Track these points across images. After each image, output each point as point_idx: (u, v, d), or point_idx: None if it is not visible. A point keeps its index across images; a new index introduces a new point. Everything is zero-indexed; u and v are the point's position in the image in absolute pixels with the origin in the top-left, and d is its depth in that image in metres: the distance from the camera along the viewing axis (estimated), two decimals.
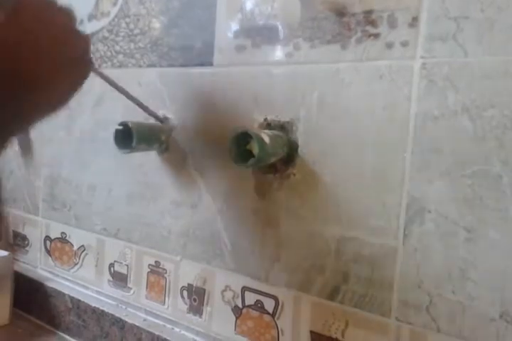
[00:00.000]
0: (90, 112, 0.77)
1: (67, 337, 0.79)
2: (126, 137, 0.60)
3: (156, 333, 0.67)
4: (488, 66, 0.42)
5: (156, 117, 0.65)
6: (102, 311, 0.74)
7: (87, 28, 0.76)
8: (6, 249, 0.85)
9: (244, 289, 0.60)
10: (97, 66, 0.55)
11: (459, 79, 0.43)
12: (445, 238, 0.45)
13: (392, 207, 0.47)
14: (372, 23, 0.48)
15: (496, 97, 0.41)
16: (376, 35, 0.48)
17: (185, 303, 0.66)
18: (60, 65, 0.41)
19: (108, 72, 0.73)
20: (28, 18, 0.38)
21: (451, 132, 0.44)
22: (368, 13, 0.48)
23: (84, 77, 0.47)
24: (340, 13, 0.50)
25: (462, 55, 0.43)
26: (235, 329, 0.61)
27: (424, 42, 0.45)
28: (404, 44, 0.46)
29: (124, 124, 0.60)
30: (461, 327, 0.44)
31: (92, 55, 0.48)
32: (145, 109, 0.63)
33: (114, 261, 0.75)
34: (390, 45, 0.47)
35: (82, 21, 0.77)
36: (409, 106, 0.46)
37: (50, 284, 0.83)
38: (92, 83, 0.75)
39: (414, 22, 0.45)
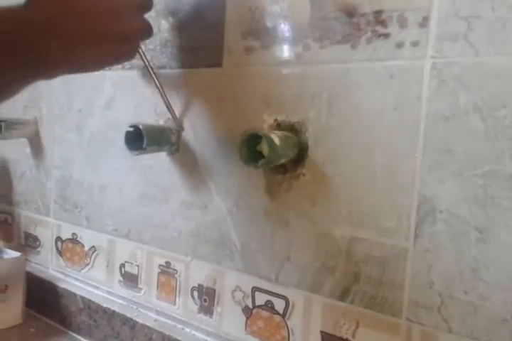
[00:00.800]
0: (101, 114, 0.77)
1: (78, 336, 0.79)
2: (137, 139, 0.60)
3: (167, 333, 0.67)
4: (499, 66, 0.41)
5: (175, 119, 0.65)
6: (113, 311, 0.74)
7: None
8: (17, 250, 0.85)
9: (254, 289, 0.60)
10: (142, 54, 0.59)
11: (470, 79, 0.43)
12: (456, 238, 0.44)
13: (403, 207, 0.47)
14: (382, 23, 0.48)
15: (508, 97, 0.41)
16: (386, 35, 0.48)
17: (196, 304, 0.66)
18: (94, 30, 0.43)
19: (118, 74, 0.74)
20: None
21: (463, 132, 0.43)
22: (378, 13, 0.48)
23: (124, 56, 0.50)
24: (350, 13, 0.50)
25: (473, 55, 0.43)
26: (246, 330, 0.61)
27: (435, 42, 0.45)
28: (415, 44, 0.46)
29: (135, 126, 0.60)
30: (472, 327, 0.44)
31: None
32: (170, 110, 0.64)
33: (125, 262, 0.75)
34: (400, 45, 0.47)
35: None
36: (419, 107, 0.46)
37: (61, 284, 0.83)
38: (103, 84, 0.76)
39: (424, 22, 0.45)
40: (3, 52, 0.37)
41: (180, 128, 0.65)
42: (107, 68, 0.51)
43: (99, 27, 0.44)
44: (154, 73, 0.63)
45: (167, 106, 0.64)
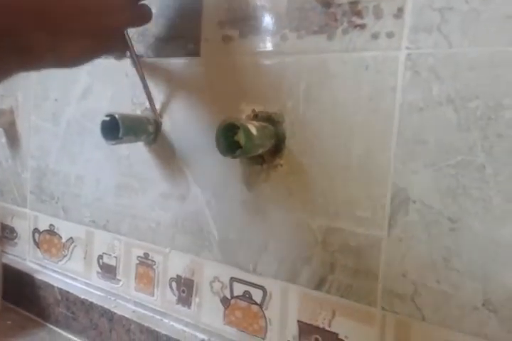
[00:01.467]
0: (77, 103, 0.76)
1: (56, 328, 0.79)
2: (113, 128, 0.60)
3: (145, 324, 0.67)
4: (472, 57, 0.42)
5: (154, 111, 0.65)
6: (91, 303, 0.74)
7: None
8: None
9: (232, 280, 0.60)
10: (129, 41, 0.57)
11: (443, 70, 0.43)
12: (429, 228, 0.45)
13: (378, 197, 0.48)
14: (358, 14, 0.48)
15: (481, 88, 0.42)
16: (362, 26, 0.48)
17: (174, 295, 0.66)
18: (79, 13, 0.42)
19: (95, 62, 0.72)
20: None
21: (436, 123, 0.44)
22: (354, 3, 0.48)
23: (113, 49, 0.47)
24: (327, 3, 0.50)
25: (447, 46, 0.43)
26: (224, 320, 0.62)
27: (409, 33, 0.45)
28: (390, 35, 0.46)
29: (111, 115, 0.60)
30: (445, 315, 0.45)
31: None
32: (151, 103, 0.64)
33: (103, 253, 0.75)
34: (375, 36, 0.47)
35: None
36: (394, 97, 0.46)
37: (38, 276, 0.82)
38: (79, 73, 0.75)
39: (399, 13, 0.45)
40: None
41: (159, 121, 0.65)
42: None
43: (88, 21, 0.43)
44: (139, 62, 0.62)
45: (148, 98, 0.63)
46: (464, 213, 0.43)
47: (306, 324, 0.54)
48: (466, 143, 0.42)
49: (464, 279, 0.44)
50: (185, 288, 0.65)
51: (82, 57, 0.46)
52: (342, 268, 0.51)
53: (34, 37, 0.39)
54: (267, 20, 0.55)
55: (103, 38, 0.46)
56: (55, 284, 0.79)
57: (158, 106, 0.65)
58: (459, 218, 0.43)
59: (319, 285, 0.53)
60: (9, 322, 0.80)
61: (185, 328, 0.65)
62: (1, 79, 0.40)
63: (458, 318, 0.44)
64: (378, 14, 0.46)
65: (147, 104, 0.65)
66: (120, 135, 0.59)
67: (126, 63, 0.69)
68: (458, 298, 0.44)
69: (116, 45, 0.48)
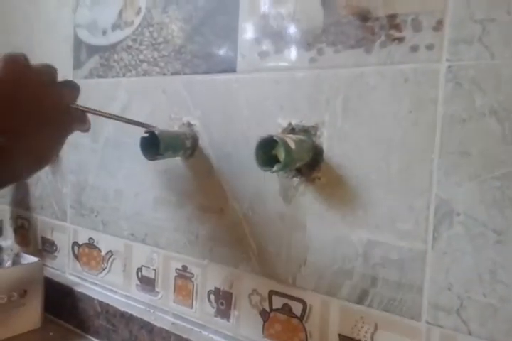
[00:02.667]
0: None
1: (96, 340, 0.80)
2: (152, 144, 0.61)
3: (185, 336, 0.67)
4: None
5: (145, 125, 0.62)
6: (131, 315, 0.75)
7: (111, 37, 0.78)
8: (34, 255, 0.87)
9: (271, 293, 0.61)
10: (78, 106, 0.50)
11: (485, 82, 0.43)
12: (474, 240, 0.44)
13: (420, 210, 0.47)
14: (396, 27, 0.48)
15: None
16: (400, 39, 0.48)
17: (213, 307, 0.67)
18: (39, 117, 0.43)
19: (133, 80, 0.75)
20: (6, 78, 0.40)
21: (479, 134, 0.44)
22: (392, 17, 0.48)
23: (67, 129, 0.48)
24: (364, 17, 0.50)
25: (488, 58, 0.43)
26: (263, 333, 0.62)
27: (450, 45, 0.45)
28: (430, 47, 0.46)
29: (150, 132, 0.61)
30: (492, 329, 0.44)
31: (74, 103, 0.48)
32: (142, 125, 0.61)
33: (142, 266, 0.76)
34: (414, 49, 0.47)
35: (105, 31, 0.79)
36: (435, 109, 0.46)
37: (78, 289, 0.84)
38: (117, 90, 0.77)
39: (438, 25, 0.45)
40: None
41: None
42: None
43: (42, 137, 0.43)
44: (105, 113, 0.56)
45: (133, 123, 0.60)
46: (510, 225, 0.43)
47: (347, 337, 0.54)
48: (510, 155, 0.42)
49: (511, 292, 0.43)
50: (223, 301, 0.66)
51: (54, 143, 0.46)
52: (384, 282, 0.50)
53: (6, 156, 0.40)
54: (303, 35, 0.55)
55: (57, 123, 0.46)
56: (95, 296, 0.81)
57: (195, 122, 0.67)
58: (504, 230, 0.43)
59: (361, 299, 0.52)
60: (51, 334, 0.82)
61: (224, 340, 0.66)
62: None
63: (506, 332, 0.43)
64: (417, 27, 0.46)
65: (185, 119, 0.66)
66: (160, 151, 0.60)
67: (163, 81, 0.70)
68: (505, 312, 0.43)
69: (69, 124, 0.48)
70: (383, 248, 0.50)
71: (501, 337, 0.44)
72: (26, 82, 0.42)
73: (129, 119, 0.59)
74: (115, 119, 0.57)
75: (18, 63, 0.41)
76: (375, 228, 0.51)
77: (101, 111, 0.54)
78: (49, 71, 0.45)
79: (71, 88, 0.48)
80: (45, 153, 0.45)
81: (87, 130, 0.51)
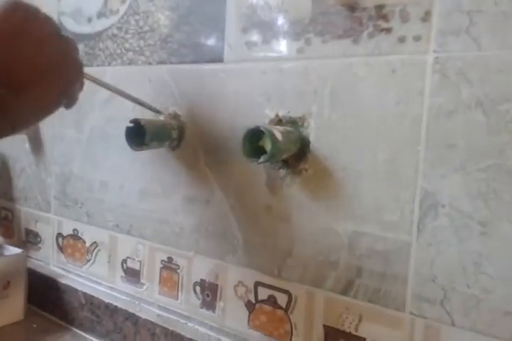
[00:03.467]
0: (100, 109, 0.77)
1: (80, 332, 0.80)
2: (138, 134, 0.60)
3: (170, 328, 0.67)
4: (502, 60, 0.42)
5: (157, 111, 0.66)
6: (116, 307, 0.74)
7: (96, 25, 0.76)
8: (18, 247, 0.85)
9: (257, 284, 0.60)
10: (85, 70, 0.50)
11: (472, 73, 0.43)
12: (459, 232, 0.45)
13: (406, 201, 0.47)
14: (384, 18, 0.48)
15: (511, 91, 0.41)
16: (388, 30, 0.47)
17: (198, 298, 0.67)
18: (42, 69, 0.42)
19: (118, 69, 0.74)
20: (9, 27, 0.39)
21: (465, 126, 0.44)
22: (380, 7, 0.48)
23: (72, 80, 0.47)
24: (352, 7, 0.50)
25: (475, 49, 0.43)
26: (248, 324, 0.62)
27: (437, 36, 0.45)
28: (417, 38, 0.46)
29: (136, 122, 0.60)
30: (476, 320, 0.44)
31: (79, 60, 0.47)
32: (146, 105, 0.64)
33: (127, 257, 0.75)
34: (402, 40, 0.47)
35: (90, 19, 0.77)
36: (422, 101, 0.46)
37: (63, 280, 0.83)
38: (103, 79, 0.75)
39: (426, 16, 0.45)
40: None
41: (158, 112, 0.66)
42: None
43: (52, 80, 0.43)
44: (108, 85, 0.60)
45: (141, 104, 0.63)
46: (494, 217, 0.43)
47: (332, 328, 0.54)
48: (496, 147, 0.42)
49: (495, 283, 0.43)
50: (209, 292, 0.66)
51: (58, 93, 0.45)
52: (369, 273, 0.51)
53: (6, 104, 0.39)
54: (291, 25, 0.55)
55: (60, 72, 0.45)
56: (80, 288, 0.80)
57: (182, 113, 0.66)
58: (489, 222, 0.43)
59: (346, 290, 0.53)
60: (34, 326, 0.81)
61: (209, 332, 0.66)
62: None
63: (489, 323, 0.44)
64: (405, 18, 0.46)
65: (171, 110, 0.66)
66: (146, 141, 0.60)
67: (148, 70, 0.69)
68: (489, 303, 0.44)
69: (76, 73, 0.48)
70: (369, 239, 0.50)
71: (484, 328, 0.44)
72: (32, 30, 0.40)
73: (136, 99, 0.61)
74: (122, 95, 0.60)
75: (26, 10, 0.40)
76: (360, 219, 0.51)
77: (108, 84, 0.57)
78: (54, 21, 0.44)
79: (74, 43, 0.47)
80: (47, 104, 0.44)
81: (74, 102, 0.50)
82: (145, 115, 0.68)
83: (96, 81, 0.55)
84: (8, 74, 0.39)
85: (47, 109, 0.45)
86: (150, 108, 0.66)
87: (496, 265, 0.43)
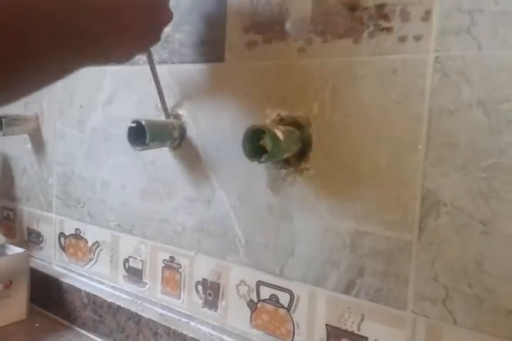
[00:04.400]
0: (102, 109, 0.77)
1: (83, 331, 0.80)
2: (139, 134, 0.60)
3: (172, 327, 0.67)
4: (502, 59, 0.42)
5: (166, 112, 0.67)
6: (118, 306, 0.75)
7: None
8: (20, 246, 0.86)
9: (259, 283, 0.61)
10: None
11: (473, 73, 0.43)
12: (461, 231, 0.45)
13: (407, 201, 0.47)
14: (385, 17, 0.48)
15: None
16: (389, 29, 0.47)
17: (201, 298, 0.67)
18: (131, 28, 0.45)
19: (119, 69, 0.74)
20: None
21: (466, 126, 0.44)
22: (381, 7, 0.48)
23: (153, 43, 0.53)
24: (352, 7, 0.50)
25: (476, 48, 0.43)
26: (251, 323, 0.62)
27: (438, 35, 0.45)
28: (418, 38, 0.46)
29: (137, 122, 0.60)
30: (477, 319, 0.44)
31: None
32: (163, 103, 0.66)
33: (129, 257, 0.75)
34: (403, 39, 0.47)
35: None
36: (423, 100, 0.46)
37: (65, 280, 0.84)
38: (104, 79, 0.76)
39: (427, 15, 0.45)
40: (60, 38, 0.38)
41: (177, 117, 0.67)
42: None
43: (145, 17, 0.47)
44: (154, 66, 0.64)
45: (160, 98, 0.66)
46: (496, 216, 0.43)
47: (334, 327, 0.54)
48: (497, 146, 0.42)
49: (496, 282, 0.43)
50: (211, 292, 0.66)
51: (135, 51, 0.51)
52: (371, 272, 0.51)
53: (102, 33, 0.42)
54: (292, 25, 0.55)
55: (153, 33, 0.51)
56: (82, 288, 0.80)
57: (183, 112, 0.66)
58: (490, 221, 0.43)
59: (348, 289, 0.53)
60: (37, 325, 0.82)
61: (212, 331, 0.66)
62: (71, 71, 0.43)
63: (491, 322, 0.44)
64: (405, 17, 0.46)
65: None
66: (147, 141, 0.60)
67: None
68: (491, 302, 0.44)
69: (157, 40, 0.53)
70: (370, 238, 0.50)
71: (486, 327, 0.44)
72: None
73: (161, 91, 0.65)
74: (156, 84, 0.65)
75: None
76: (362, 219, 0.51)
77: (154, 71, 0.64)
78: None
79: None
80: (128, 53, 0.50)
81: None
82: (147, 115, 0.69)
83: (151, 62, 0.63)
84: (111, 14, 0.42)
85: (138, 49, 0.52)
86: (165, 108, 0.67)
87: (498, 264, 0.43)
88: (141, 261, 0.74)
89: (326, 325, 0.55)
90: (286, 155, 0.54)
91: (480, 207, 0.44)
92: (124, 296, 0.77)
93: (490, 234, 0.43)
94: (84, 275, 0.83)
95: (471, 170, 0.44)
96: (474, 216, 0.44)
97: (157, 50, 0.68)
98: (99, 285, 0.81)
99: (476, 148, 0.43)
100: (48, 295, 0.85)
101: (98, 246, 0.80)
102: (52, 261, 0.90)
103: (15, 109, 0.90)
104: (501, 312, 0.43)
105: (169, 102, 0.67)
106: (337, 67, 0.51)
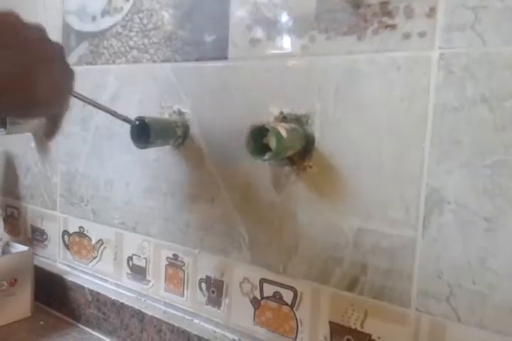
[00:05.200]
0: None
1: (87, 329, 0.80)
2: (143, 132, 0.60)
3: (176, 324, 0.68)
4: (507, 56, 0.41)
5: (128, 121, 0.61)
6: (122, 304, 0.75)
7: (101, 23, 0.77)
8: (25, 244, 0.86)
9: (262, 281, 0.61)
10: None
11: (477, 70, 0.43)
12: (465, 228, 0.45)
13: (411, 198, 0.47)
14: (389, 14, 0.47)
15: None
16: (393, 26, 0.47)
17: (204, 295, 0.67)
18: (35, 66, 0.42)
19: (122, 67, 0.74)
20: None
21: (471, 123, 0.43)
22: (384, 4, 0.48)
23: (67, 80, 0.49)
24: (356, 4, 0.49)
25: (481, 45, 0.43)
26: (254, 320, 0.62)
27: (442, 32, 0.44)
28: (422, 35, 0.46)
29: (141, 120, 0.60)
30: (481, 317, 0.44)
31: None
32: (113, 114, 0.60)
33: (133, 255, 0.76)
34: (407, 36, 0.47)
35: (94, 17, 0.77)
36: (427, 97, 0.46)
37: (69, 278, 0.84)
38: (107, 77, 0.76)
39: (431, 12, 0.45)
40: None
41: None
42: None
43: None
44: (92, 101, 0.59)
45: (110, 113, 0.60)
46: (500, 213, 0.43)
47: (337, 325, 0.54)
48: (502, 143, 0.42)
49: (500, 279, 0.43)
50: (214, 289, 0.66)
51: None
52: (374, 269, 0.51)
53: None
54: (295, 22, 0.55)
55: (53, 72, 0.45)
56: (86, 285, 0.81)
57: (186, 110, 0.66)
58: (495, 218, 0.43)
59: (351, 286, 0.53)
60: (41, 323, 0.82)
61: (215, 328, 0.66)
62: None
63: (495, 319, 0.44)
64: (409, 14, 0.46)
65: (175, 107, 0.66)
66: (151, 139, 0.60)
67: (153, 68, 0.69)
68: (495, 299, 0.44)
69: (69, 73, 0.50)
70: (374, 236, 0.50)
71: (490, 324, 0.44)
72: (17, 38, 0.40)
73: (104, 106, 0.59)
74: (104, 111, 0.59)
75: (7, 20, 0.40)
76: (365, 216, 0.51)
77: (94, 102, 0.57)
78: (40, 28, 0.44)
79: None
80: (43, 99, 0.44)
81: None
82: (150, 114, 0.69)
83: (80, 98, 0.56)
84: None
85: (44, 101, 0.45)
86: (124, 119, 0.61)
87: (502, 261, 0.43)
88: (145, 258, 0.74)
89: (330, 322, 0.55)
90: (289, 153, 0.54)
91: (484, 204, 0.43)
92: (128, 294, 0.77)
93: (494, 231, 0.43)
94: (88, 273, 0.84)
95: (476, 167, 0.43)
96: (478, 213, 0.44)
97: (161, 48, 0.68)
98: (103, 283, 0.81)
99: (481, 145, 0.43)
100: (52, 293, 0.86)
101: (102, 244, 0.80)
102: (56, 258, 0.90)
103: None
104: (505, 309, 0.43)
105: (173, 100, 0.67)
106: (341, 65, 0.51)
